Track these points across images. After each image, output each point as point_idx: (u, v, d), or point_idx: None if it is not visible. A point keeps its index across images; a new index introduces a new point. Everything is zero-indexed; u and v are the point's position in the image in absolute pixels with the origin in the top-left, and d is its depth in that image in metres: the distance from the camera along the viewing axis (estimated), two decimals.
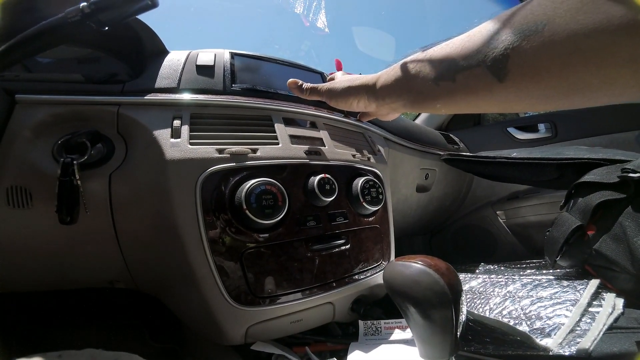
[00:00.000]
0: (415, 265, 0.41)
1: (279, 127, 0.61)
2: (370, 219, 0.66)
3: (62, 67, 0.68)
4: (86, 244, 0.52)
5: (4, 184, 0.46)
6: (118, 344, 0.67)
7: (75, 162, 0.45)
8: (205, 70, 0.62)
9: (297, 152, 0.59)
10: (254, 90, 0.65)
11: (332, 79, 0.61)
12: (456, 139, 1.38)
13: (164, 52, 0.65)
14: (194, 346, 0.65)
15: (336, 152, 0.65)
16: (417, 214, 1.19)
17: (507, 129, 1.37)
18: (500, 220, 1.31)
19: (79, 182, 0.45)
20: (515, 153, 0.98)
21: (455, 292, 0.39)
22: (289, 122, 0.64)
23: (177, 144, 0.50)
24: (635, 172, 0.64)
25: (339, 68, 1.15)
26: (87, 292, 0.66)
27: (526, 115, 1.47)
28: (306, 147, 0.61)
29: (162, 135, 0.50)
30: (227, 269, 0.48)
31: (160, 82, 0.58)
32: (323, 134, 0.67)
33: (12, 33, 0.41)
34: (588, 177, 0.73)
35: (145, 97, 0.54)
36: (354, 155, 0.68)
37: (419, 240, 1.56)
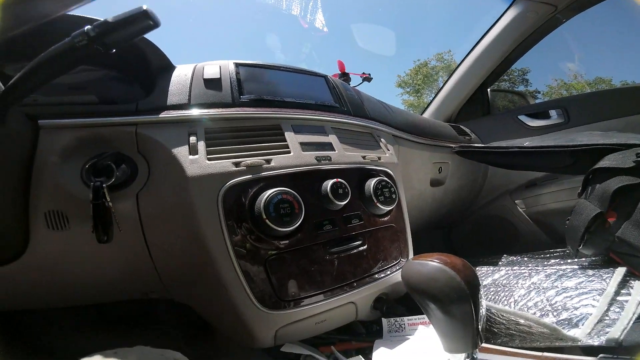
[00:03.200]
0: (432, 263, 0.43)
1: (289, 136, 0.63)
2: (385, 218, 0.67)
3: (74, 89, 0.69)
4: (121, 259, 0.56)
5: (41, 208, 0.50)
6: None
7: (104, 185, 0.48)
8: (213, 84, 0.64)
9: (309, 159, 0.61)
10: (261, 100, 0.67)
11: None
12: (467, 129, 1.36)
13: (171, 67, 0.67)
14: (226, 351, 0.69)
15: (346, 155, 0.67)
16: (433, 207, 1.19)
17: (519, 116, 1.34)
18: (520, 209, 1.29)
19: (110, 203, 0.48)
20: (527, 142, 0.96)
21: (472, 287, 0.40)
22: (298, 129, 0.66)
23: (195, 160, 0.53)
24: None
25: (342, 69, 1.17)
26: (125, 304, 0.70)
27: (536, 102, 1.44)
28: (317, 152, 0.63)
29: (181, 152, 0.53)
30: (253, 274, 0.51)
31: (171, 99, 0.60)
32: (332, 138, 0.69)
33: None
34: (604, 163, 0.71)
35: (160, 115, 0.57)
36: (364, 157, 0.70)
37: (439, 234, 1.54)
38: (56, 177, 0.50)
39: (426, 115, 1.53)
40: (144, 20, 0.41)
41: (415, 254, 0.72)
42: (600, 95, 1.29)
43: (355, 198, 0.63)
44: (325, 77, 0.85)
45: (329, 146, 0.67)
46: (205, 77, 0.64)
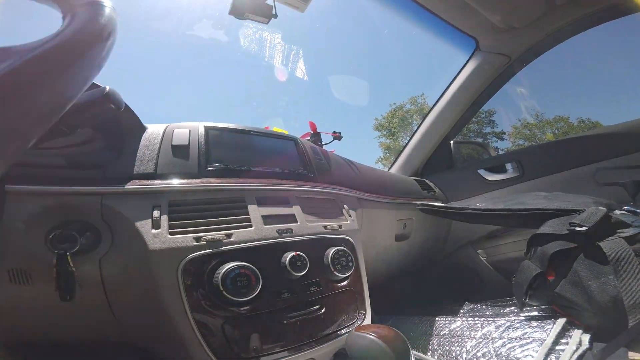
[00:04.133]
0: (368, 337, 0.51)
1: (252, 209, 0.66)
2: (343, 283, 0.70)
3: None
4: (83, 314, 0.58)
5: (5, 265, 0.51)
6: None
7: (68, 253, 0.50)
8: (181, 151, 0.66)
9: (270, 233, 0.64)
10: (227, 169, 0.70)
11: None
12: (431, 184, 1.45)
13: (142, 128, 0.68)
14: None
15: (308, 226, 0.71)
16: (399, 260, 1.24)
17: (478, 170, 1.45)
18: (482, 258, 1.36)
19: (73, 268, 0.50)
20: (481, 203, 1.05)
21: (401, 356, 0.48)
22: (262, 200, 0.69)
23: (157, 234, 0.55)
24: (581, 225, 0.71)
25: (314, 129, 1.26)
26: (86, 345, 0.69)
27: (503, 142, 1.59)
28: (279, 225, 0.66)
29: (144, 226, 0.56)
30: (211, 336, 0.53)
31: (138, 167, 0.62)
32: (295, 209, 0.73)
33: None
34: (544, 229, 0.80)
35: (126, 187, 0.58)
36: (325, 226, 0.74)
37: (408, 280, 1.57)
38: (20, 242, 0.51)
39: (394, 169, 1.62)
40: (106, 103, 0.44)
41: (386, 299, 0.75)
42: (550, 146, 1.42)
43: (314, 267, 0.66)
44: (295, 140, 0.89)
45: (291, 218, 0.70)
46: (173, 143, 0.67)
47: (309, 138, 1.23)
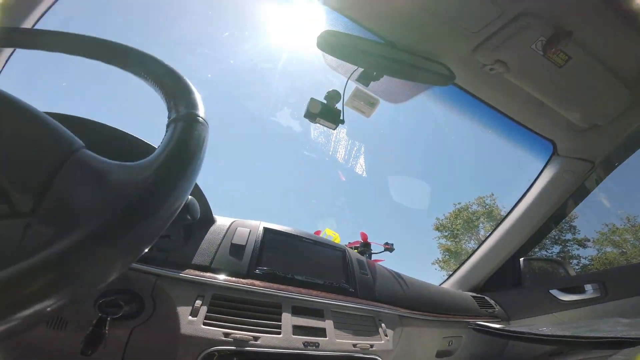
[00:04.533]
0: None
1: (285, 317, 0.67)
2: None
3: None
4: None
5: None
6: None
7: (109, 318, 0.55)
8: (237, 251, 0.73)
9: (296, 343, 0.63)
10: (272, 275, 0.73)
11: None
12: (491, 301, 1.28)
13: (211, 221, 0.76)
14: None
15: (336, 342, 0.68)
16: None
17: (551, 291, 1.23)
18: None
19: (107, 331, 0.54)
20: (546, 327, 0.87)
21: None
22: (297, 310, 0.70)
23: (192, 322, 0.59)
24: None
25: (364, 239, 1.25)
26: None
27: (575, 275, 1.31)
28: (307, 338, 0.65)
29: (184, 311, 0.60)
30: None
31: (197, 258, 0.69)
32: (327, 324, 0.71)
33: None
34: (617, 358, 0.62)
35: (180, 274, 0.64)
36: (354, 345, 0.70)
37: None
38: None
39: (450, 282, 1.46)
40: (184, 212, 0.51)
41: None
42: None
43: None
44: (343, 250, 0.91)
45: (321, 332, 0.69)
46: (233, 241, 0.74)
47: (358, 246, 1.22)
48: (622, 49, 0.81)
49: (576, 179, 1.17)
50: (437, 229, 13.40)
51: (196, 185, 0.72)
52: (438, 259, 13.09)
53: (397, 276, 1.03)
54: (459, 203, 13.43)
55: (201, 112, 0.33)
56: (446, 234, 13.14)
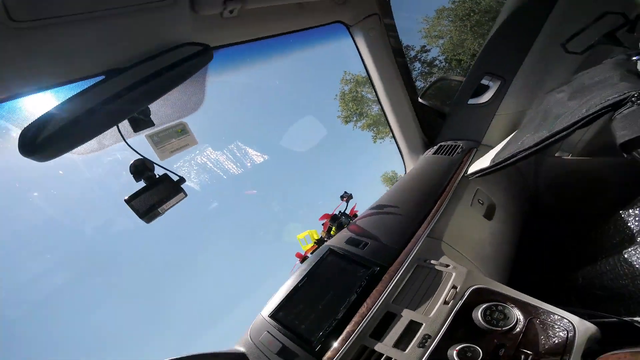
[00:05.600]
0: None
1: (379, 347, 0.62)
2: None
3: None
4: None
5: None
6: None
7: None
8: (285, 354, 0.66)
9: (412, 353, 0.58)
10: (326, 336, 0.67)
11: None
12: (448, 142, 1.30)
13: (243, 357, 0.68)
14: None
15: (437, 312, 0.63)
16: (515, 229, 1.03)
17: (468, 103, 1.30)
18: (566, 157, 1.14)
19: None
20: (523, 137, 0.85)
21: None
22: (376, 334, 0.64)
23: None
24: None
25: (327, 217, 1.14)
26: None
27: (462, 78, 1.40)
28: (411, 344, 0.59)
29: None
30: None
31: None
32: (406, 313, 0.66)
33: None
34: (623, 133, 0.61)
35: None
36: (446, 301, 0.64)
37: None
38: None
39: (406, 162, 1.47)
40: None
41: None
42: (495, 40, 1.23)
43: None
44: (329, 249, 0.85)
45: (416, 325, 0.63)
46: (274, 351, 0.67)
47: (330, 223, 1.14)
48: None
49: (381, 30, 1.27)
50: (346, 121, 13.91)
51: None
52: (372, 136, 13.71)
53: (380, 208, 0.97)
54: (336, 95, 13.85)
55: None
56: (354, 118, 13.78)
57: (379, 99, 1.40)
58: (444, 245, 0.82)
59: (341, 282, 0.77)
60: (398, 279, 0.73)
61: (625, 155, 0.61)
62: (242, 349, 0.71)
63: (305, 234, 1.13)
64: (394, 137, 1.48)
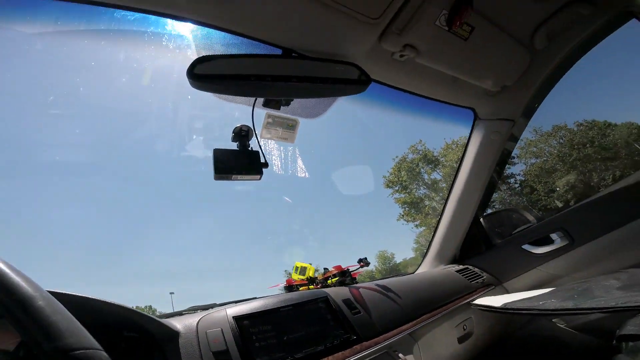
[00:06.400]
0: None
1: None
2: None
3: None
4: None
5: None
6: None
7: None
8: (223, 357, 0.63)
9: None
10: None
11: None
12: (476, 269, 1.29)
13: (175, 336, 0.64)
14: None
15: None
16: (467, 355, 1.08)
17: (523, 247, 1.28)
18: (561, 326, 1.15)
19: None
20: (547, 300, 0.87)
21: None
22: None
23: None
24: None
25: (339, 269, 1.15)
26: None
27: (534, 224, 1.36)
28: None
29: None
30: None
31: None
32: None
33: None
34: (631, 329, 0.64)
35: None
36: None
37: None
38: None
39: (427, 262, 1.43)
40: None
41: None
42: (594, 203, 1.25)
43: None
44: (325, 298, 0.86)
45: None
46: (212, 349, 0.64)
47: (336, 274, 1.15)
48: (514, 11, 0.85)
49: (503, 137, 1.25)
50: (388, 186, 14.11)
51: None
52: (400, 213, 13.84)
53: (384, 289, 1.00)
54: (397, 157, 14.19)
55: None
56: (397, 187, 13.94)
57: (448, 194, 1.37)
58: (416, 347, 0.86)
59: (317, 330, 0.77)
60: (365, 355, 0.75)
61: (614, 342, 0.65)
62: (178, 327, 0.66)
63: (305, 266, 1.16)
64: (433, 235, 1.44)
